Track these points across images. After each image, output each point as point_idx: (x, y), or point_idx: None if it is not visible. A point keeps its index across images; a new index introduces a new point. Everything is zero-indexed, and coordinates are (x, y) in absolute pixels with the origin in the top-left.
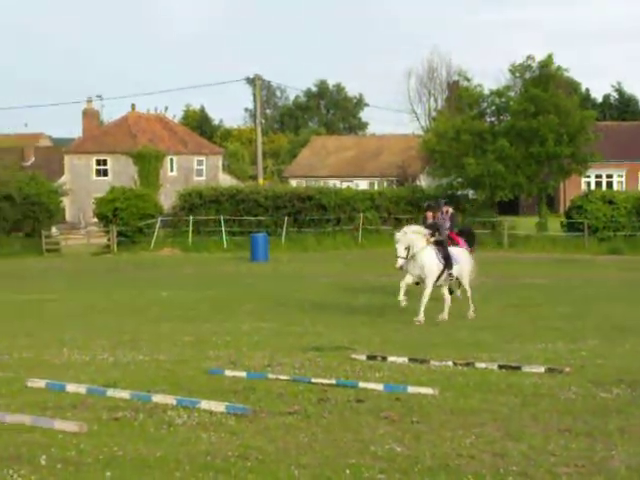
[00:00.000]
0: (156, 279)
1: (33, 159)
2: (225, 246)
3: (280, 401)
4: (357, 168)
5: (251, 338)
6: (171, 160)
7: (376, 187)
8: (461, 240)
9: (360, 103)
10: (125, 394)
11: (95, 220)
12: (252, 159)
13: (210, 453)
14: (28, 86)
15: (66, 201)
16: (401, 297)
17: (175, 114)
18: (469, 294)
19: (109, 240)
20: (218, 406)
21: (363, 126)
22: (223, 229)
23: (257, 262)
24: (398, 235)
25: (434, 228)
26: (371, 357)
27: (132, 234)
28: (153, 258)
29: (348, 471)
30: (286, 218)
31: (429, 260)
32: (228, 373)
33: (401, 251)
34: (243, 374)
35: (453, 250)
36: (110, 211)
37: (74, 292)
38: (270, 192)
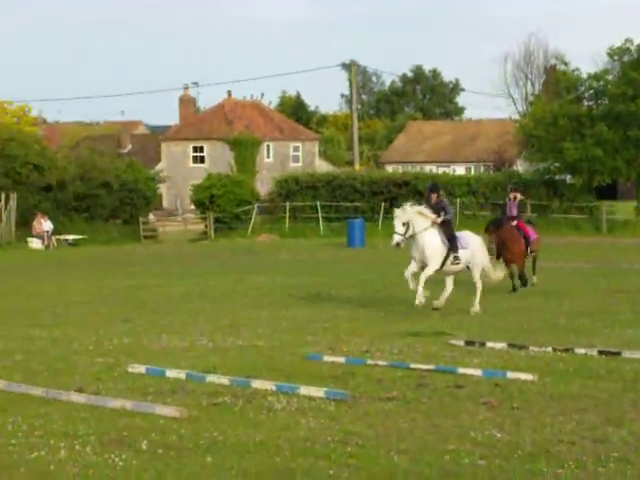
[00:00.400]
0: (253, 265)
1: (130, 146)
2: (322, 232)
3: (379, 387)
4: (453, 153)
5: (349, 324)
6: (267, 146)
7: (472, 172)
8: (530, 229)
9: (456, 88)
10: (225, 380)
11: (192, 207)
12: (348, 145)
13: (310, 438)
14: (125, 74)
15: (163, 188)
16: (416, 289)
17: (271, 100)
18: (478, 287)
19: (206, 227)
20: (317, 391)
21: (459, 111)
22: (319, 215)
23: (354, 248)
24: (397, 211)
25: (439, 209)
26: (469, 343)
27: (229, 220)
28: (250, 244)
29: (448, 457)
30: (382, 204)
31: (431, 241)
32: (326, 359)
33: (399, 227)
34: (342, 360)
35: (463, 234)
36: (207, 198)
37: (172, 278)
38: (366, 178)
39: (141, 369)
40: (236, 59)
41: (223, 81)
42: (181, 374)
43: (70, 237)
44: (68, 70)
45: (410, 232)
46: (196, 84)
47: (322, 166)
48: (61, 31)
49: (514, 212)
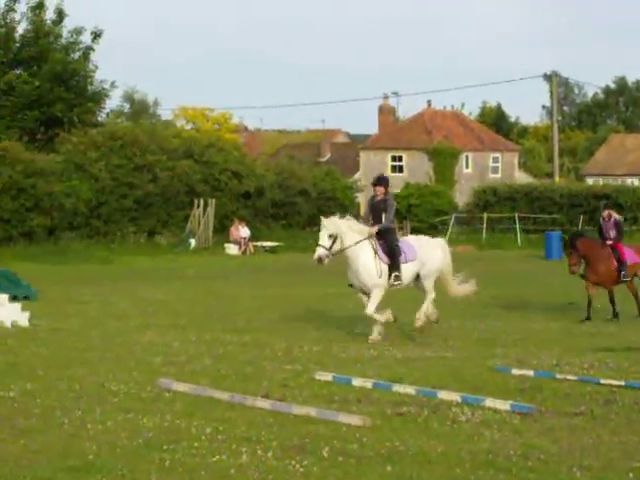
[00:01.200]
0: None
1: (329, 155)
2: (519, 244)
3: (566, 401)
4: None
5: (540, 336)
6: (466, 157)
7: None
8: (628, 251)
9: None
10: (411, 390)
11: None
12: (548, 157)
13: (492, 451)
14: (326, 83)
15: (361, 197)
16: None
17: (471, 111)
18: (429, 298)
19: (403, 236)
20: (503, 404)
21: None
22: (517, 227)
23: (551, 260)
24: (325, 221)
25: (380, 209)
26: None
27: (426, 230)
28: None
29: (631, 474)
30: (582, 216)
31: (365, 262)
32: (515, 371)
33: (324, 239)
34: (530, 373)
35: (411, 242)
36: (404, 207)
37: None
38: (565, 190)
39: (328, 377)
40: (436, 69)
41: (423, 91)
42: (367, 383)
43: (267, 244)
44: (270, 78)
45: (338, 246)
46: (396, 94)
47: (521, 178)
48: (264, 41)
49: (611, 234)
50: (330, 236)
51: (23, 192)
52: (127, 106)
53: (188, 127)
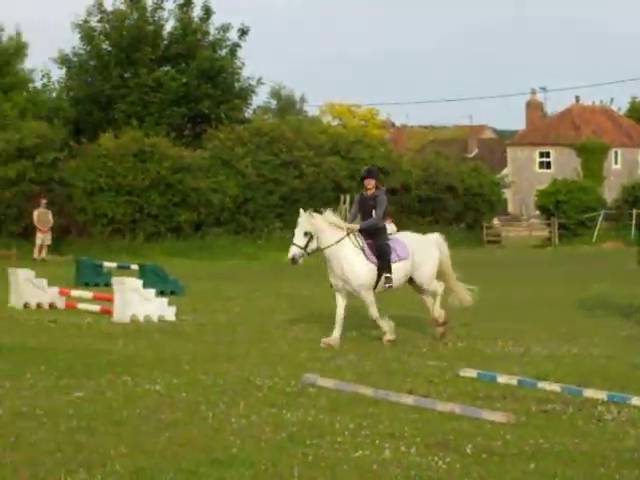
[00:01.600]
0: (596, 273)
1: (476, 151)
2: None
3: None
4: None
5: None
6: (615, 153)
7: None
8: None
9: None
10: (556, 387)
11: (537, 213)
12: None
13: (637, 450)
14: (474, 78)
15: (508, 193)
16: (335, 333)
17: (620, 106)
18: (435, 302)
19: (550, 233)
20: None
21: None
22: None
23: None
24: (302, 217)
25: (369, 205)
26: None
27: (574, 227)
28: (594, 252)
29: None
30: None
31: (350, 262)
32: None
33: (299, 237)
34: None
35: (401, 239)
36: (552, 203)
37: (512, 284)
38: None
39: (473, 373)
40: (585, 64)
41: (571, 86)
42: (512, 380)
43: None
44: (417, 74)
45: (313, 246)
46: (544, 89)
47: None
48: (409, 38)
49: None
50: (306, 234)
51: (171, 188)
52: (274, 102)
53: (335, 123)
